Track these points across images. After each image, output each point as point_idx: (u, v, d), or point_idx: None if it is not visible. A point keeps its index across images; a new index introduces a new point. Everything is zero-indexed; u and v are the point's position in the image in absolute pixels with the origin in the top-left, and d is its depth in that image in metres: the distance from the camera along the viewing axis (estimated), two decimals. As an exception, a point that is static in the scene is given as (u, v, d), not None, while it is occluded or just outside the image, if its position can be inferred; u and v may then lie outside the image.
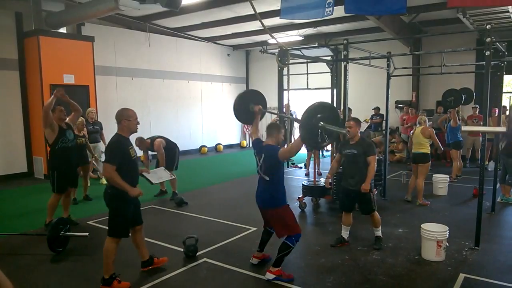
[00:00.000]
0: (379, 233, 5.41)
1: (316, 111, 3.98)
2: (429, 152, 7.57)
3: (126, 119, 4.16)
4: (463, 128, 4.35)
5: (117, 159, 4.01)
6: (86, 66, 10.76)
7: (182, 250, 5.08)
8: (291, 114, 12.68)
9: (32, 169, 10.68)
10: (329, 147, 8.86)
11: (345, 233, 5.50)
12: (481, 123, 10.52)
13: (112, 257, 4.22)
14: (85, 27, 11.40)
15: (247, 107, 4.95)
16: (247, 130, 17.63)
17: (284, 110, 12.08)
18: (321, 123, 3.94)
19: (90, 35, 11.04)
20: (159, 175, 5.59)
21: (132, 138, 4.37)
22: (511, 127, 3.22)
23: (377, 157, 8.02)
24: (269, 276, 4.34)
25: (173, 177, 6.94)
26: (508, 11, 9.16)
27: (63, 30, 10.47)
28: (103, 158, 4.76)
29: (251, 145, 17.59)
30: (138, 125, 4.30)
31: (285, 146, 4.60)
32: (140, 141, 7.99)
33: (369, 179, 5.14)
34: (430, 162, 7.61)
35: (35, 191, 9.01)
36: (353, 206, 5.46)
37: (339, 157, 5.60)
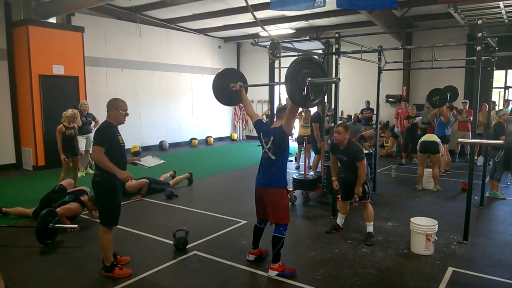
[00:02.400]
0: (370, 228, 5.42)
1: (301, 66, 3.73)
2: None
3: (115, 108, 4.20)
4: (460, 140, 4.47)
5: (106, 142, 4.06)
6: (75, 56, 10.64)
7: (172, 242, 5.06)
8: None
9: (21, 160, 10.55)
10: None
11: (340, 221, 5.71)
12: (471, 118, 10.64)
13: (109, 245, 4.26)
14: (75, 17, 11.25)
15: (227, 87, 4.82)
16: (238, 122, 17.60)
17: (286, 102, 12.10)
18: (309, 79, 3.69)
19: (80, 25, 10.91)
20: (149, 161, 5.62)
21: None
22: (508, 139, 3.24)
23: (367, 151, 8.16)
24: (272, 273, 4.31)
25: (163, 161, 6.84)
26: (499, 7, 9.20)
27: (52, 20, 10.31)
28: None
29: (241, 138, 17.60)
30: (126, 117, 4.31)
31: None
32: None
33: (360, 183, 5.28)
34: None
35: (23, 183, 8.92)
36: (350, 195, 5.54)
37: (334, 159, 5.62)
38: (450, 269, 4.52)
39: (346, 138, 5.29)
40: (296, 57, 3.84)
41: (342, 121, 9.71)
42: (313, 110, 9.74)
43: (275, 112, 4.66)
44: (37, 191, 6.87)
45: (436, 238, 5.01)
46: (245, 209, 6.74)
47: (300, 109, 11.22)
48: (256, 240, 4.75)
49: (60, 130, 7.75)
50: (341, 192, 5.72)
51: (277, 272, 4.30)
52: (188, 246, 5.04)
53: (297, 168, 10.67)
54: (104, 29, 12.31)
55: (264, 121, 4.91)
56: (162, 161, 6.23)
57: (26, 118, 10.19)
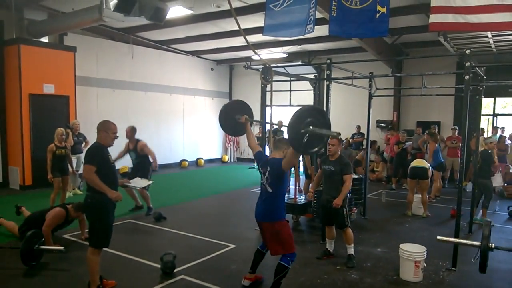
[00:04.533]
0: (351, 250, 5.45)
1: (305, 115, 3.82)
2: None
3: (105, 130, 4.27)
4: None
5: (97, 161, 4.10)
6: (67, 76, 10.62)
7: (159, 266, 4.99)
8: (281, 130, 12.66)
9: (7, 179, 10.40)
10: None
11: (329, 246, 5.68)
12: (460, 144, 10.74)
13: (96, 267, 4.22)
14: (67, 37, 11.28)
15: (233, 118, 4.98)
16: (229, 144, 17.59)
17: (278, 126, 12.23)
18: (311, 127, 3.77)
19: (72, 45, 10.93)
20: (139, 183, 5.65)
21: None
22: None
23: (357, 176, 8.17)
24: None
25: (152, 181, 6.87)
26: (487, 36, 9.40)
27: (44, 39, 10.34)
28: None
29: (232, 160, 17.57)
30: (115, 140, 4.36)
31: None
32: (132, 129, 8.01)
33: (343, 195, 5.29)
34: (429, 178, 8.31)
35: (10, 202, 8.75)
36: (331, 220, 5.55)
37: (320, 173, 5.71)
38: (439, 297, 4.49)
39: (339, 150, 5.53)
40: (304, 106, 4.04)
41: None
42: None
43: (272, 139, 4.74)
44: (27, 209, 6.75)
45: (425, 265, 5.00)
46: (234, 233, 6.68)
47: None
48: (255, 264, 4.68)
49: (50, 149, 7.69)
50: (321, 217, 5.75)
51: None
52: (175, 270, 4.97)
53: (287, 191, 10.62)
54: (96, 49, 12.35)
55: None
56: (151, 181, 6.23)
57: (15, 137, 10.10)
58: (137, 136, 8.11)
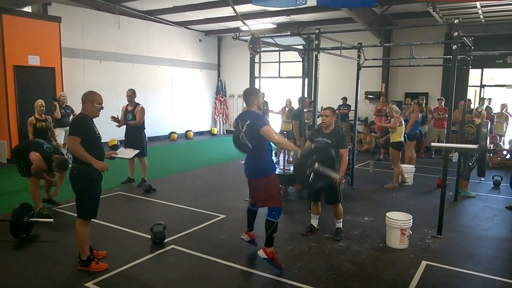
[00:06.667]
0: (339, 224, 5.44)
1: (314, 152, 4.23)
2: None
3: (90, 101, 4.20)
4: (433, 144, 4.60)
5: (81, 132, 4.07)
6: (52, 47, 10.41)
7: (149, 237, 5.04)
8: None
9: (-6, 153, 10.31)
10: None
11: (314, 222, 5.59)
12: (446, 115, 10.81)
13: (85, 238, 4.25)
14: (51, 7, 10.98)
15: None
16: (218, 117, 17.54)
17: (286, 104, 12.20)
18: (317, 164, 4.08)
19: (57, 15, 10.66)
20: (127, 153, 5.65)
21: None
22: (482, 144, 3.28)
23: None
24: (262, 254, 4.31)
25: (138, 150, 6.85)
26: (476, 7, 9.38)
27: (28, 9, 10.06)
28: None
29: (221, 133, 17.55)
30: (101, 111, 4.30)
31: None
32: (133, 92, 7.94)
33: (343, 172, 5.14)
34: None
35: (-3, 176, 8.73)
36: (320, 195, 5.48)
37: (309, 145, 5.57)
38: (423, 263, 4.62)
39: (333, 121, 5.31)
40: (315, 147, 4.60)
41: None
42: (295, 106, 9.82)
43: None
44: (11, 184, 6.73)
45: (411, 233, 5.11)
46: (223, 203, 6.75)
47: (284, 105, 11.30)
48: (250, 222, 4.79)
49: (31, 122, 7.56)
50: (310, 192, 5.64)
51: (266, 257, 4.29)
52: (165, 240, 5.03)
53: (277, 163, 10.69)
54: (81, 19, 12.07)
55: None
56: (136, 150, 6.28)
57: (0, 109, 9.93)
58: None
